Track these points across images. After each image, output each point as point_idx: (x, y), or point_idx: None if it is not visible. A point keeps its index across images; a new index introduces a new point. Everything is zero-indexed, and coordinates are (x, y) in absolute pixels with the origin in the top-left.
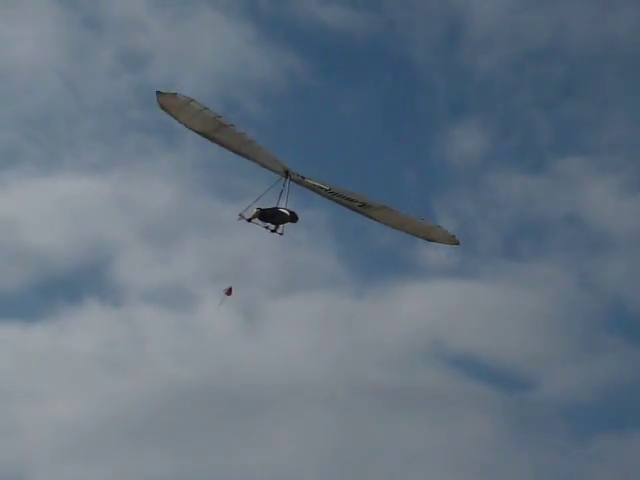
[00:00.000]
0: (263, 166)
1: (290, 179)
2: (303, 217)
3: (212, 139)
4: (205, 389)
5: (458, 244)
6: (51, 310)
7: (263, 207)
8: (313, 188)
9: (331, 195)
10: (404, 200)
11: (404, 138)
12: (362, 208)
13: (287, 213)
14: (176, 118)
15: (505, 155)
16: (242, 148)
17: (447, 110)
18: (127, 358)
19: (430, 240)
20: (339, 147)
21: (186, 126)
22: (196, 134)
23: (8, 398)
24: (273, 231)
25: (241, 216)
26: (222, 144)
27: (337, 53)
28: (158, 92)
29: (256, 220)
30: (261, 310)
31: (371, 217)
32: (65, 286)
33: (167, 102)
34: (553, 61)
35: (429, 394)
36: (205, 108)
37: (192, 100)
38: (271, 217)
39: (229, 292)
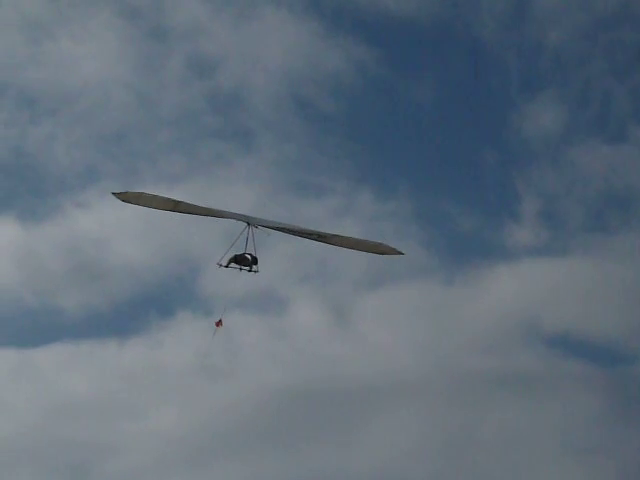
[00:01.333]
0: (232, 218)
1: (251, 227)
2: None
3: (176, 211)
4: (303, 391)
5: (403, 254)
6: (144, 325)
7: (236, 254)
8: (275, 229)
9: (292, 232)
10: (486, 182)
11: (480, 120)
12: (320, 238)
13: (249, 257)
14: (140, 204)
15: (584, 127)
16: (204, 212)
17: (521, 87)
18: (223, 366)
19: (380, 253)
20: (416, 135)
21: (152, 207)
22: None
23: (111, 416)
24: (249, 271)
25: (219, 264)
26: (187, 213)
27: (405, 40)
28: (113, 193)
29: (232, 265)
30: (351, 306)
31: (329, 243)
32: (156, 300)
33: (125, 197)
34: (625, 27)
35: (529, 377)
36: (154, 196)
37: (142, 193)
38: (242, 261)
39: (219, 323)
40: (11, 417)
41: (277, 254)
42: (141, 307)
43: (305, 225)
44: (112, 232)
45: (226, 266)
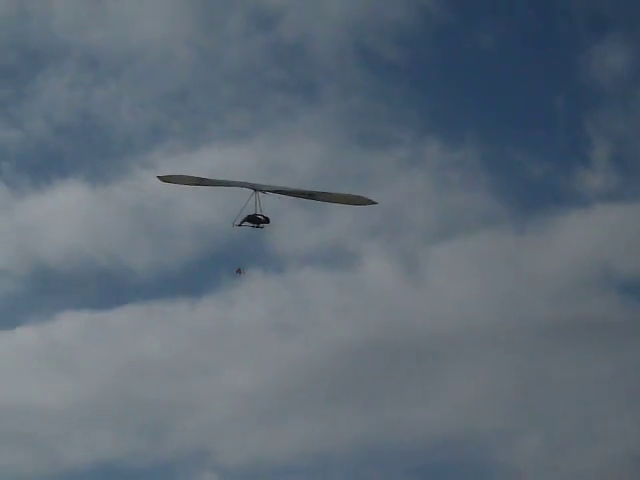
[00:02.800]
0: (240, 186)
1: (258, 192)
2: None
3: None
4: (375, 345)
5: (377, 203)
6: (215, 284)
7: (248, 214)
8: (276, 192)
9: (289, 193)
10: (555, 127)
11: (548, 63)
12: (311, 196)
13: (262, 217)
14: (176, 183)
15: None
16: (221, 184)
17: (588, 28)
18: (295, 322)
19: (360, 204)
20: (483, 82)
21: (183, 184)
22: None
23: (185, 375)
24: (256, 227)
25: (234, 224)
26: (207, 185)
27: None
28: (158, 177)
29: (245, 224)
30: (421, 258)
31: (319, 200)
32: (227, 258)
33: (168, 180)
34: None
35: (602, 323)
36: (183, 175)
37: (174, 176)
38: (253, 220)
39: (239, 271)
40: (87, 379)
41: (344, 209)
42: (211, 266)
43: (374, 177)
44: (180, 191)
45: (239, 225)
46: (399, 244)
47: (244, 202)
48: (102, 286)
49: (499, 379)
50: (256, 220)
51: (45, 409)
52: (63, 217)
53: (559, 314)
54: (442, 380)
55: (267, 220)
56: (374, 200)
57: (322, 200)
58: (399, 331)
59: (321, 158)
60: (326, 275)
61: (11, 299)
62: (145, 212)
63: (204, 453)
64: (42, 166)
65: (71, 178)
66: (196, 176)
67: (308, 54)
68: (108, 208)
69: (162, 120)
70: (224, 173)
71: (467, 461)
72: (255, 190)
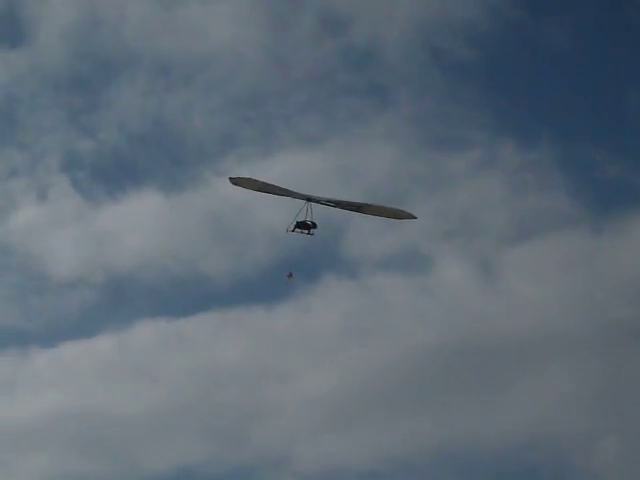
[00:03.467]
0: (296, 197)
1: (310, 202)
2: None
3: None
4: (452, 349)
5: (416, 218)
6: (291, 290)
7: (298, 221)
8: (326, 204)
9: (338, 205)
10: (631, 124)
11: (623, 60)
12: (357, 209)
13: (310, 224)
14: (243, 186)
15: None
16: (280, 192)
17: None
18: (370, 327)
19: (399, 219)
20: (556, 80)
21: (250, 188)
22: None
23: (263, 381)
24: (307, 234)
25: (287, 230)
26: (269, 193)
27: None
28: (230, 178)
29: (297, 230)
30: (497, 260)
31: (363, 212)
32: (301, 264)
33: (237, 182)
34: None
35: None
36: (251, 179)
37: (247, 178)
38: (303, 227)
39: (290, 276)
40: (165, 386)
41: (418, 213)
42: (286, 271)
43: (448, 180)
44: (253, 198)
45: (292, 231)
46: (474, 247)
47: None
48: (178, 294)
49: (579, 382)
50: (305, 226)
51: (124, 416)
52: (138, 225)
53: (638, 316)
54: (521, 384)
55: (315, 225)
56: (414, 215)
57: (367, 213)
58: (476, 335)
59: (394, 162)
60: (401, 279)
61: (88, 308)
62: (219, 219)
63: (283, 459)
64: (116, 175)
65: (145, 186)
66: (262, 181)
67: (379, 57)
68: (182, 216)
69: (234, 126)
70: (296, 179)
71: (547, 465)
72: (308, 200)
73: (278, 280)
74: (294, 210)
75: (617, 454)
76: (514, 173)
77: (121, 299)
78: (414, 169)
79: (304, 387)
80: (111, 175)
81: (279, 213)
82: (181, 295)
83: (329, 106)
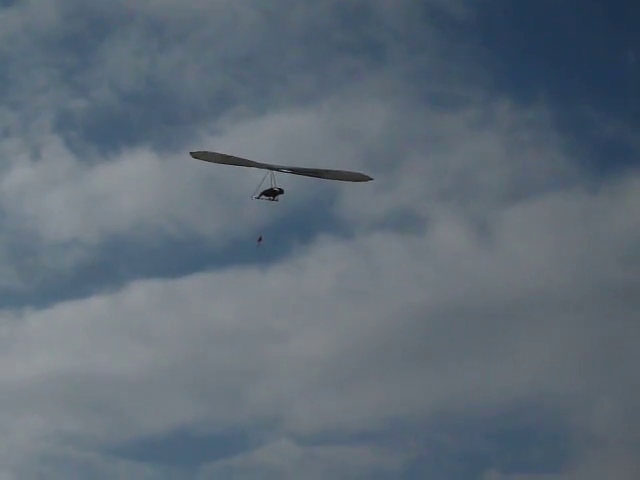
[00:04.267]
0: (258, 167)
1: (272, 170)
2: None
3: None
4: (447, 309)
5: (372, 179)
6: (286, 250)
7: (264, 189)
8: (289, 171)
9: (299, 172)
10: (628, 84)
11: (621, 18)
12: (316, 174)
13: (277, 190)
14: (206, 160)
15: None
16: (242, 163)
17: None
18: (365, 288)
19: (358, 181)
20: (553, 38)
21: (212, 161)
22: None
23: (257, 341)
24: (272, 200)
25: (252, 197)
26: (232, 164)
27: None
28: (190, 153)
29: (262, 197)
30: (493, 221)
31: (323, 177)
32: (296, 225)
33: (198, 156)
34: None
35: None
36: (212, 153)
37: (206, 151)
38: (270, 193)
39: (260, 240)
40: (160, 347)
41: (414, 173)
42: (281, 232)
43: (444, 139)
44: (248, 157)
45: (258, 197)
46: (470, 207)
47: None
48: (173, 254)
49: (574, 343)
50: (272, 193)
51: (119, 376)
52: (132, 186)
53: (634, 276)
54: (516, 344)
55: (281, 191)
56: (370, 176)
57: (328, 178)
58: (471, 296)
59: (389, 120)
60: (396, 240)
61: (82, 268)
62: (214, 179)
63: (278, 418)
64: (110, 135)
65: (139, 146)
66: (222, 154)
67: (374, 14)
68: (177, 176)
69: (228, 85)
70: (291, 139)
71: (542, 426)
72: (270, 169)
73: (273, 241)
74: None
75: (613, 413)
76: (511, 132)
77: (115, 259)
78: (410, 128)
79: (299, 347)
80: (104, 135)
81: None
82: (176, 255)
83: (324, 64)
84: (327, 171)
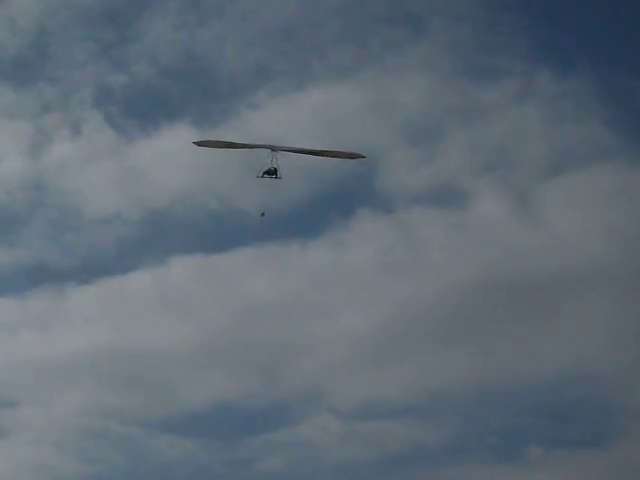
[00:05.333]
0: (261, 148)
1: (275, 151)
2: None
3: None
4: (488, 284)
5: (365, 157)
6: (326, 225)
7: (265, 169)
8: (289, 151)
9: (299, 152)
10: None
11: None
12: (316, 154)
13: (273, 169)
14: (209, 147)
15: None
16: (246, 146)
17: None
18: (406, 262)
19: (352, 159)
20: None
21: (216, 147)
22: None
23: (298, 317)
24: (275, 178)
25: (257, 176)
26: (235, 148)
27: None
28: (194, 142)
29: (265, 176)
30: (534, 194)
31: (322, 156)
32: (336, 200)
33: (201, 144)
34: None
35: None
36: (215, 140)
37: (209, 140)
38: (271, 173)
39: (263, 215)
40: (201, 322)
41: (454, 146)
42: (321, 207)
43: (483, 111)
44: (286, 132)
45: (262, 176)
46: (510, 181)
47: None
48: (213, 229)
49: (618, 318)
50: (271, 172)
51: (160, 352)
52: (172, 161)
53: None
54: (558, 319)
55: (276, 171)
56: (363, 154)
57: (325, 156)
58: (513, 269)
59: (428, 93)
60: (436, 214)
61: (124, 244)
62: (254, 154)
63: (319, 394)
64: (149, 110)
65: (178, 121)
66: (224, 141)
67: None
68: (216, 150)
69: (266, 59)
70: (330, 113)
71: (586, 402)
72: (272, 150)
73: (313, 216)
74: (330, 142)
75: None
76: (551, 103)
77: (157, 235)
78: (449, 100)
79: (339, 322)
80: (144, 110)
81: (317, 146)
82: (216, 230)
83: (362, 36)
84: (325, 151)
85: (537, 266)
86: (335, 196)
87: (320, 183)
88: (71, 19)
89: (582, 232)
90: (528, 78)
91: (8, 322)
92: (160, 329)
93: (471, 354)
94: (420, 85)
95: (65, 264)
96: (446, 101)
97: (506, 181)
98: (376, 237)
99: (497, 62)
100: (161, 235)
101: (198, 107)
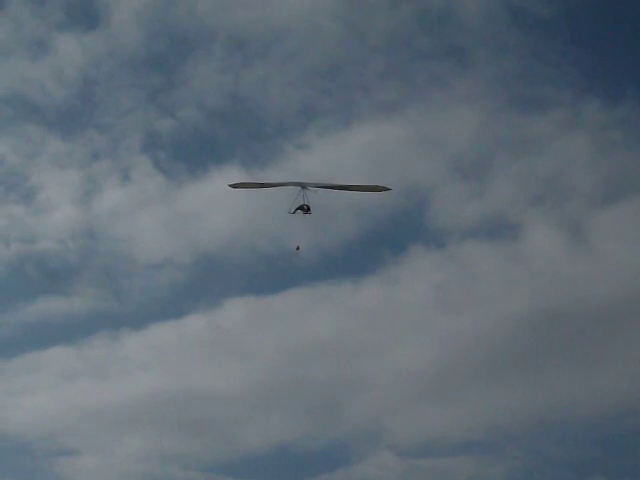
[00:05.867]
0: (292, 185)
1: (304, 189)
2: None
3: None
4: (546, 315)
5: (390, 189)
6: (378, 262)
7: (297, 205)
8: (318, 187)
9: (327, 187)
10: None
11: None
12: (343, 188)
13: (305, 206)
14: (243, 188)
15: None
16: (278, 185)
17: None
18: (460, 297)
19: (377, 192)
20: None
21: (248, 188)
22: None
23: (354, 354)
24: (305, 213)
25: (289, 212)
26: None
27: None
28: (229, 185)
29: (297, 212)
30: (587, 224)
31: (349, 190)
32: (387, 236)
33: (237, 186)
34: None
35: None
36: (249, 182)
37: (243, 182)
38: (302, 209)
39: (298, 249)
40: (257, 363)
41: (504, 178)
42: (372, 245)
43: (533, 142)
44: (335, 170)
45: (293, 212)
46: (563, 211)
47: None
48: (265, 270)
49: None
50: (302, 208)
51: (217, 395)
52: (222, 203)
53: None
54: (617, 349)
55: (309, 208)
56: (388, 187)
57: (353, 190)
58: (569, 301)
59: (476, 126)
60: (489, 248)
61: (177, 288)
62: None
63: (377, 432)
64: (197, 153)
65: (227, 164)
66: (258, 182)
67: (456, 18)
68: (266, 191)
69: (312, 98)
70: (378, 150)
71: None
72: (302, 187)
73: (365, 253)
74: (379, 180)
75: None
76: (601, 132)
77: (209, 278)
78: (497, 133)
79: (396, 359)
80: (192, 153)
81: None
82: (268, 271)
83: (408, 72)
84: (351, 185)
85: (592, 295)
86: (386, 233)
87: (370, 220)
88: (116, 67)
89: (636, 260)
90: (576, 107)
91: (66, 370)
92: (216, 372)
93: (529, 386)
94: (467, 118)
95: (120, 310)
96: (494, 133)
97: (558, 212)
98: (429, 273)
99: (544, 92)
100: (213, 278)
101: (246, 149)
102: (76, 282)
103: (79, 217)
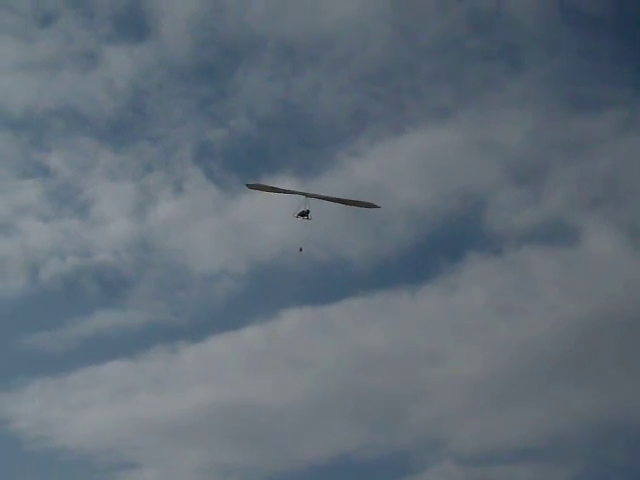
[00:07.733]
0: (297, 194)
1: (308, 197)
2: None
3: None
4: (607, 318)
5: (379, 207)
6: (434, 270)
7: (299, 211)
8: (320, 198)
9: (327, 199)
10: None
11: None
12: (340, 201)
13: (305, 211)
14: (259, 190)
15: None
16: (286, 192)
17: None
18: (519, 302)
19: (368, 207)
20: None
21: (262, 190)
22: None
23: (412, 363)
24: (306, 219)
25: (293, 215)
26: (278, 192)
27: None
28: (246, 185)
29: (299, 217)
30: None
31: (346, 204)
32: (443, 243)
33: (252, 187)
34: None
35: None
36: (264, 185)
37: (259, 183)
38: (303, 214)
39: (300, 250)
40: (315, 373)
41: (560, 181)
42: (429, 252)
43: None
44: (389, 177)
45: (297, 217)
46: (621, 213)
47: None
48: (321, 280)
49: None
50: (303, 214)
51: (276, 406)
52: (276, 213)
53: None
54: None
55: (308, 213)
56: (377, 204)
57: (346, 204)
58: (629, 302)
59: (531, 129)
60: (547, 253)
61: (233, 299)
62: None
63: (439, 441)
64: (249, 163)
65: (279, 172)
66: (270, 185)
67: (507, 18)
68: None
69: (363, 103)
70: (432, 154)
71: None
72: (306, 196)
73: (422, 261)
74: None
75: None
76: None
77: (265, 288)
78: (552, 135)
79: (455, 367)
80: (244, 163)
81: (420, 191)
82: (324, 281)
83: (459, 74)
84: (347, 200)
85: None
86: (442, 240)
87: (426, 227)
88: (166, 77)
89: None
90: (633, 106)
91: (125, 384)
92: (275, 383)
93: (591, 392)
94: (521, 121)
95: (176, 323)
96: (549, 136)
97: (616, 214)
98: (487, 279)
99: (599, 91)
100: (269, 288)
101: (298, 157)
102: (132, 295)
103: (134, 229)
